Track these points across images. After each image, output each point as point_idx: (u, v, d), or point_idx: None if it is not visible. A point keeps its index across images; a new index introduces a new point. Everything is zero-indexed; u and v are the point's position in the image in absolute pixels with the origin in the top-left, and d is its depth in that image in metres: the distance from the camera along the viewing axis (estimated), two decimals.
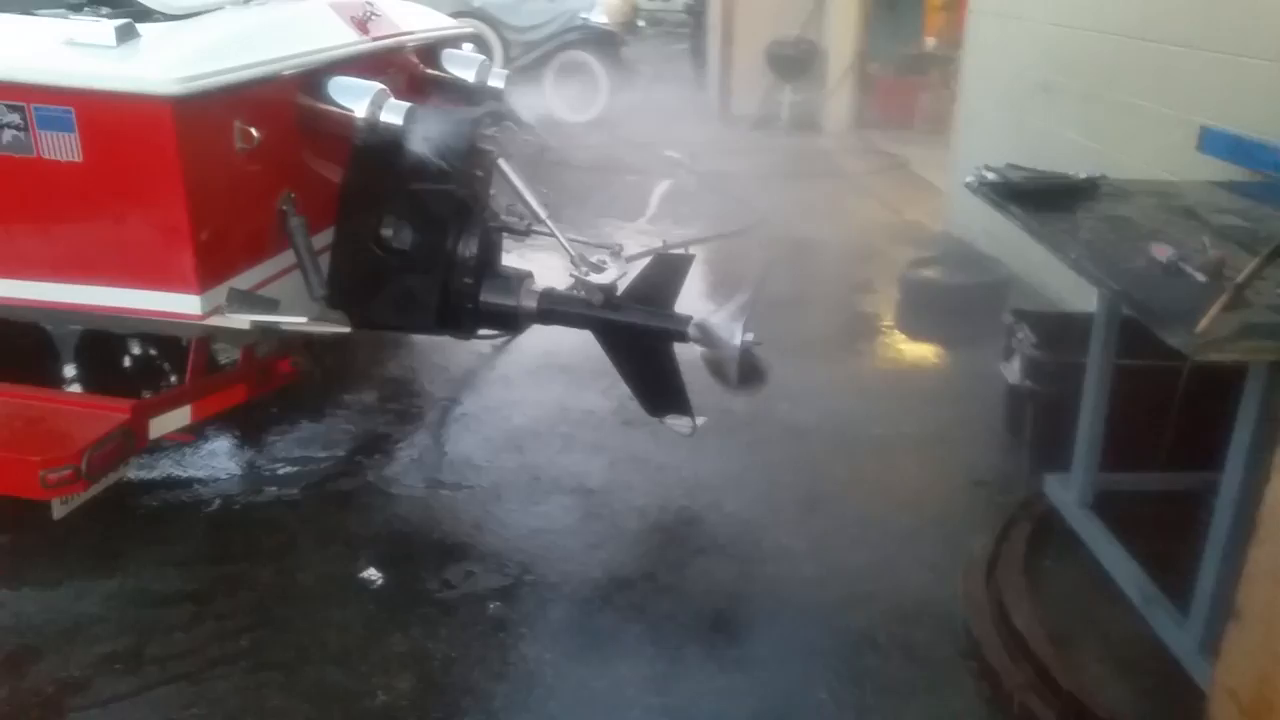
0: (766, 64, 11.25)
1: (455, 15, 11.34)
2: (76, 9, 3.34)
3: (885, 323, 5.58)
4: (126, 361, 4.52)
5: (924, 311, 5.54)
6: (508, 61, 11.63)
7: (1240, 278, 2.30)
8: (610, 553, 3.45)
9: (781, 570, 3.36)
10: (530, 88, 11.62)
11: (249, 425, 4.20)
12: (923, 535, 3.51)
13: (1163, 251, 2.50)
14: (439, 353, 4.94)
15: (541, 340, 4.92)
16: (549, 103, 11.65)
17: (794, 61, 11.09)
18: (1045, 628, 2.88)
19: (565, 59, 11.69)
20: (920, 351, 5.22)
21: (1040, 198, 3.04)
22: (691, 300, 3.84)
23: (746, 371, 3.60)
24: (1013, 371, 3.81)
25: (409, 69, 4.07)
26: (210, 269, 3.00)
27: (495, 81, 4.22)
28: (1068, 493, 3.37)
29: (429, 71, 4.19)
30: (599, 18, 12.04)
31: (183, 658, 2.93)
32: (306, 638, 3.02)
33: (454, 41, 4.37)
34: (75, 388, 4.44)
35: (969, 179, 3.12)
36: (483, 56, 4.30)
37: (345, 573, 3.34)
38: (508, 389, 4.69)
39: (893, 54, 11.15)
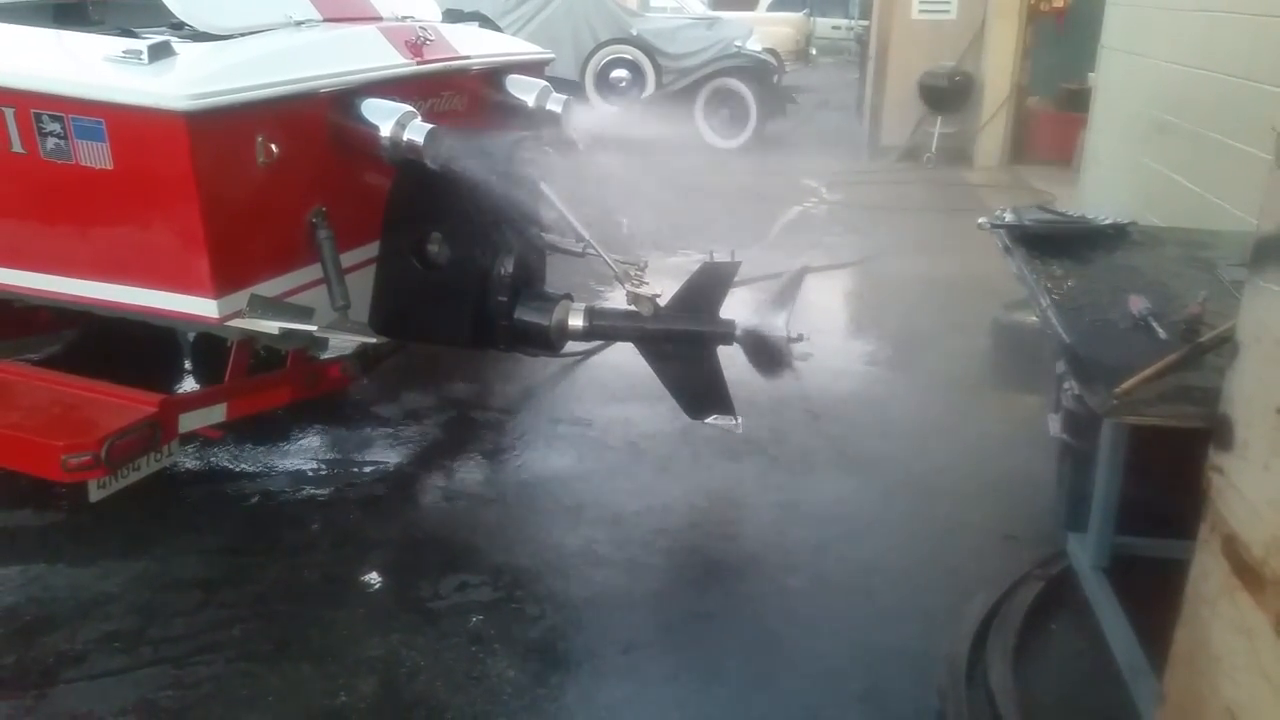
0: (919, 95, 11.01)
1: (613, 42, 11.77)
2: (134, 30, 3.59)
3: (969, 362, 5.35)
4: None
5: (1014, 354, 5.28)
6: (659, 87, 11.77)
7: (1205, 338, 2.13)
8: (607, 576, 3.44)
9: (773, 607, 3.28)
10: (681, 113, 11.74)
11: (307, 426, 4.41)
12: (932, 585, 3.36)
13: (1137, 304, 2.34)
14: (509, 369, 5.05)
15: (609, 360, 5.01)
16: (698, 129, 11.73)
17: (947, 93, 10.81)
18: (1020, 693, 2.71)
19: (717, 86, 11.73)
20: (999, 394, 4.99)
21: (1054, 243, 2.89)
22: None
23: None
24: (1055, 424, 3.60)
25: (472, 93, 4.18)
26: (228, 275, 3.17)
27: (553, 106, 4.30)
28: (1084, 553, 3.16)
29: (494, 95, 4.30)
30: (754, 46, 12.05)
31: (176, 642, 3.09)
32: (293, 633, 3.13)
33: (526, 67, 4.47)
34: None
35: (981, 220, 2.99)
36: (544, 82, 4.39)
37: (348, 574, 3.45)
38: (567, 407, 4.75)
39: (1054, 89, 10.72)
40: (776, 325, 3.59)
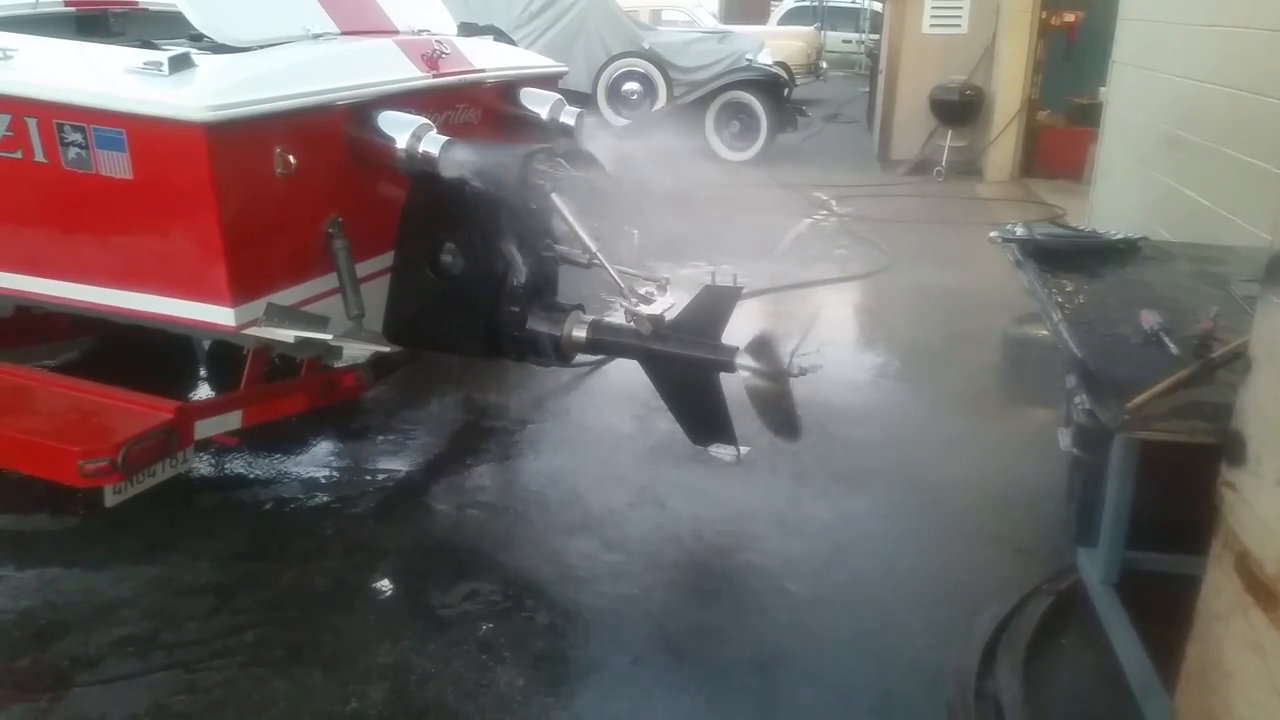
0: (929, 109, 11.04)
1: (625, 55, 11.82)
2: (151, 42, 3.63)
3: (979, 375, 5.36)
4: None
5: (1025, 368, 5.29)
6: (670, 100, 11.82)
7: (1216, 354, 2.14)
8: (617, 586, 3.45)
9: (782, 619, 3.29)
10: (692, 126, 11.78)
11: (320, 434, 4.44)
12: (942, 599, 3.37)
13: (1149, 320, 2.35)
14: (521, 379, 5.08)
15: (622, 369, 5.03)
16: (709, 141, 11.78)
17: (957, 107, 10.84)
18: (1029, 708, 2.72)
19: (727, 99, 11.78)
20: (1009, 408, 4.99)
21: (1065, 257, 2.91)
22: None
23: (782, 420, 3.63)
24: (1065, 438, 3.61)
25: (486, 105, 4.21)
26: (245, 283, 3.21)
27: (566, 119, 4.33)
28: (1094, 568, 3.17)
29: (508, 108, 4.33)
30: (765, 60, 12.09)
31: (189, 646, 3.11)
32: (305, 639, 3.15)
33: (539, 80, 4.50)
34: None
35: (993, 234, 3.01)
36: (557, 95, 4.42)
37: (360, 581, 3.47)
38: (579, 416, 4.77)
39: (1065, 103, 10.75)
40: (779, 360, 3.53)
